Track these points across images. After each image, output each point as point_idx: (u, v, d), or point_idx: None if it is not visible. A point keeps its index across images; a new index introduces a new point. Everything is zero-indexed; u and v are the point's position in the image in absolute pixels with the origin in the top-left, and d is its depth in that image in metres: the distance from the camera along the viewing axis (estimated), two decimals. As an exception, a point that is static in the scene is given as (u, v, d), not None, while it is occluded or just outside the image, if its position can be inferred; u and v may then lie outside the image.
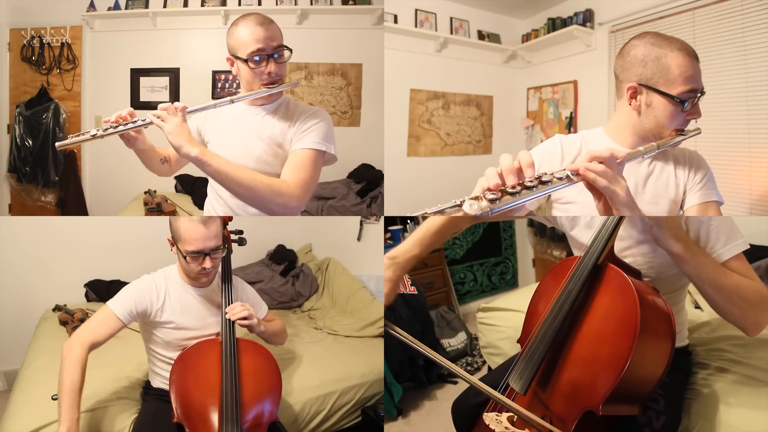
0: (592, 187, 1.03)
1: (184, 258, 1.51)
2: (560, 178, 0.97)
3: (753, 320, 1.14)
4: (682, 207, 1.30)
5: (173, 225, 1.52)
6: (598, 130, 1.36)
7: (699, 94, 1.21)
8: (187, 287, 1.61)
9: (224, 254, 1.63)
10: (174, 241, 1.54)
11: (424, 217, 0.86)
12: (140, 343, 1.70)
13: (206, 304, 1.64)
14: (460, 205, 0.87)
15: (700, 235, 1.17)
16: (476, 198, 0.88)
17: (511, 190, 0.89)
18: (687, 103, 1.19)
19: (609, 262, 1.16)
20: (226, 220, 1.71)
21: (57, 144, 1.36)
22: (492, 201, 0.87)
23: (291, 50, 1.46)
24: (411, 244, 1.31)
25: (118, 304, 1.52)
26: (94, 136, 1.33)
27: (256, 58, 1.41)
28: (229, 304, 1.58)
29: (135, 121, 1.36)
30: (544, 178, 0.93)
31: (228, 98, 1.44)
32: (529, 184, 0.91)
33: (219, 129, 1.56)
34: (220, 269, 1.68)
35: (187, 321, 1.59)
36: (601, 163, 0.99)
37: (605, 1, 3.53)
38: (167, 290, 1.59)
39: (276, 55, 1.43)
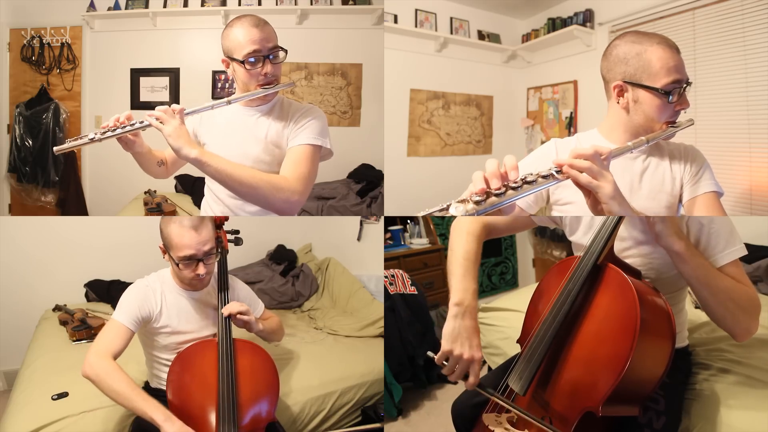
0: (580, 185, 1.03)
1: (177, 265, 1.50)
2: (545, 177, 1.00)
3: (744, 326, 1.17)
4: (680, 201, 1.30)
5: (164, 231, 1.50)
6: (593, 132, 1.38)
7: (684, 85, 1.21)
8: (181, 291, 1.61)
9: (218, 257, 1.61)
10: (165, 248, 1.53)
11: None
12: (139, 343, 1.70)
13: (201, 307, 1.63)
14: (446, 209, 0.93)
15: (700, 238, 1.18)
16: (462, 201, 0.94)
17: (496, 192, 0.94)
18: (672, 94, 1.20)
19: (609, 262, 1.16)
20: (218, 221, 1.70)
21: (55, 148, 1.37)
22: (477, 203, 0.93)
23: (286, 51, 1.48)
24: (466, 282, 1.25)
25: (123, 314, 1.49)
26: (92, 140, 1.34)
27: (252, 59, 1.42)
28: (225, 305, 1.58)
29: (133, 124, 1.37)
30: (528, 179, 0.98)
31: (225, 99, 1.45)
32: (513, 185, 0.96)
33: (215, 131, 1.56)
34: (215, 269, 1.68)
35: (183, 325, 1.58)
36: (585, 159, 1.01)
37: (605, 1, 3.53)
38: (163, 294, 1.57)
39: (271, 57, 1.45)
